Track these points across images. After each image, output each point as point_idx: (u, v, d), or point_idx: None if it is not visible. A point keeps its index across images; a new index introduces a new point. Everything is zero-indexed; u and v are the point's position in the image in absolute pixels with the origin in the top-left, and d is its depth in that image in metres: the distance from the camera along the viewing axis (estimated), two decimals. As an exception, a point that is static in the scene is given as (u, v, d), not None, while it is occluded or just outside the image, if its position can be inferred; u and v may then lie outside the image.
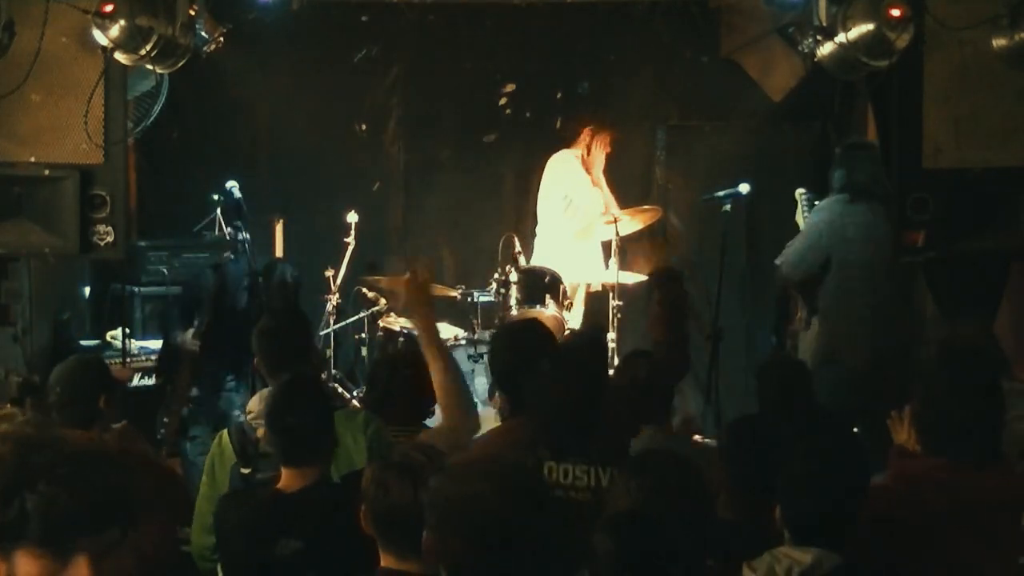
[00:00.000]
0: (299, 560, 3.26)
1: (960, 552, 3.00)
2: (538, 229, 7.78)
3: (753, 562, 2.89)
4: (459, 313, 7.57)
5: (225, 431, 4.14)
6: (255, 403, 4.12)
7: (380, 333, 7.24)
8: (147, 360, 6.58)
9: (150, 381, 6.49)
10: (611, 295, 7.30)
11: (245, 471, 3.88)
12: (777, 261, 6.36)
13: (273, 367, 4.19)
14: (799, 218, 6.71)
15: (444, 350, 3.95)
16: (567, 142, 7.75)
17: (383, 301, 7.27)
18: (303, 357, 4.33)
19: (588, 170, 7.64)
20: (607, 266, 7.41)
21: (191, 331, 6.28)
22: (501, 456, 2.54)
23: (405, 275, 4.06)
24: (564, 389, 3.75)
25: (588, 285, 7.70)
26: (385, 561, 2.93)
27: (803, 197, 6.71)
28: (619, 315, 7.20)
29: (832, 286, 6.08)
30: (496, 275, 7.20)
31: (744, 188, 6.54)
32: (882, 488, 3.21)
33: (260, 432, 3.96)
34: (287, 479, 3.44)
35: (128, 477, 2.04)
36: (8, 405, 4.16)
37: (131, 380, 6.50)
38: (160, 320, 7.05)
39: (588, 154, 7.66)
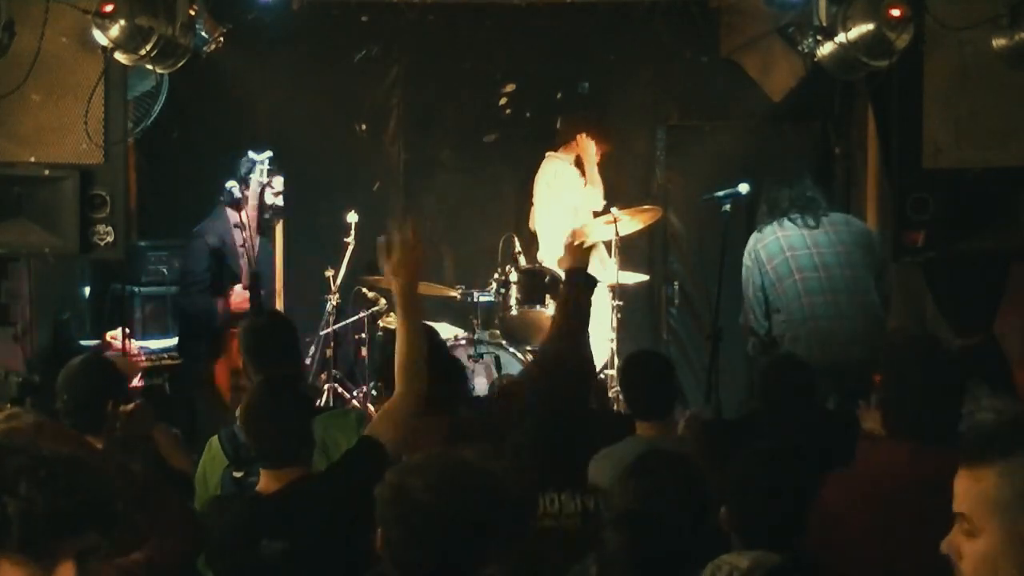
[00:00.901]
0: (285, 561, 3.25)
1: (922, 533, 3.02)
2: (541, 234, 7.75)
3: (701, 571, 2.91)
4: (459, 313, 7.57)
5: (216, 435, 4.13)
6: None
7: (380, 333, 7.24)
8: (147, 360, 6.58)
9: (150, 381, 6.49)
10: (611, 295, 7.30)
11: (237, 475, 3.87)
12: (740, 320, 6.40)
13: (258, 365, 4.21)
14: None
15: (419, 317, 3.74)
16: (559, 146, 7.76)
17: (383, 301, 7.27)
18: (289, 356, 4.35)
19: (583, 171, 7.65)
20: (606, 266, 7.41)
21: None
22: (452, 456, 2.53)
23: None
24: (547, 421, 3.76)
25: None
26: None
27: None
28: (619, 315, 7.20)
29: (791, 293, 6.12)
30: (496, 275, 7.20)
31: (744, 188, 6.54)
32: (844, 475, 3.27)
33: None
34: (266, 481, 3.44)
35: (109, 483, 2.01)
36: (8, 405, 4.17)
37: (131, 380, 6.50)
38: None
39: (583, 156, 7.67)
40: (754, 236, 6.34)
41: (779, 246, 6.18)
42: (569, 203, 7.63)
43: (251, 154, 6.69)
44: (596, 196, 7.65)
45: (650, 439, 4.11)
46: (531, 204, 7.87)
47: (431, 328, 4.21)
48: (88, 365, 4.12)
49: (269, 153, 6.71)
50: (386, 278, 3.71)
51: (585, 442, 3.84)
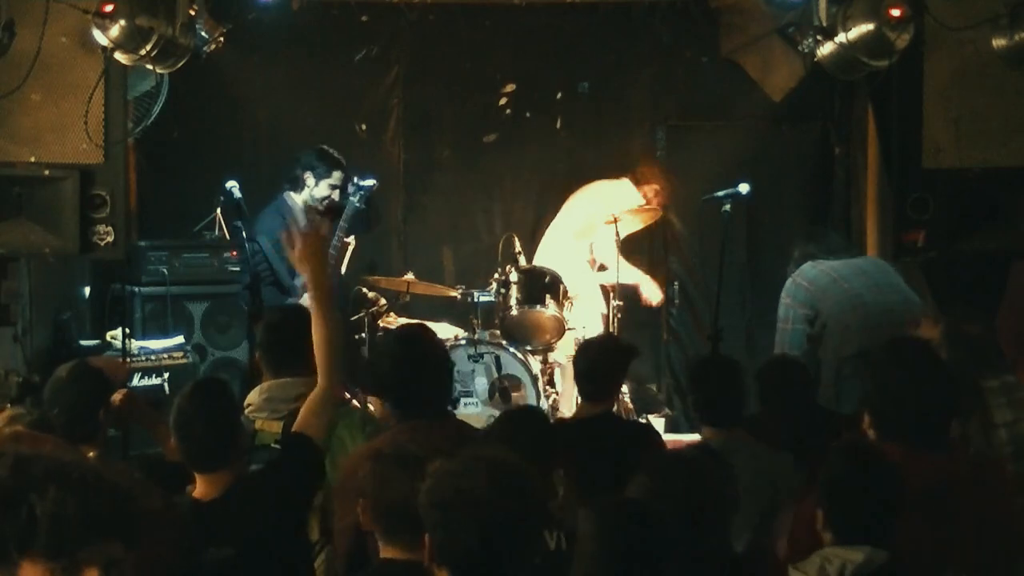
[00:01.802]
0: (232, 567, 3.22)
1: (910, 535, 3.02)
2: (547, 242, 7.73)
3: (801, 564, 2.89)
4: (459, 313, 7.56)
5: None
6: (255, 396, 4.11)
7: (380, 333, 7.24)
8: (147, 360, 6.57)
9: (150, 381, 6.49)
10: (611, 295, 7.30)
11: None
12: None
13: (273, 362, 4.19)
14: None
15: (333, 306, 3.81)
16: (638, 182, 7.63)
17: (383, 301, 7.27)
18: (304, 353, 4.32)
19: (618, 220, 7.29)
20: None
21: None
22: (489, 454, 2.54)
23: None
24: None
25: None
26: (386, 552, 2.94)
27: None
28: (619, 315, 7.20)
29: (833, 291, 5.96)
30: (496, 275, 7.19)
31: (744, 188, 6.54)
32: None
33: (258, 424, 3.96)
34: (203, 487, 3.37)
35: (132, 494, 2.00)
36: (8, 405, 4.16)
37: (130, 381, 6.49)
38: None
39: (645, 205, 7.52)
40: (790, 278, 6.14)
41: (816, 270, 5.98)
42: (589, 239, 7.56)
43: (356, 179, 7.05)
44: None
45: (717, 444, 4.09)
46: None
47: (429, 332, 4.23)
48: (76, 374, 4.03)
49: (373, 181, 7.14)
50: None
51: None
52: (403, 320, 7.09)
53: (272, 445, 3.80)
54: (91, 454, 3.82)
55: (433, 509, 2.43)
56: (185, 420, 3.38)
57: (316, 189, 7.06)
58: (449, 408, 4.17)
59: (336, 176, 7.09)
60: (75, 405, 3.91)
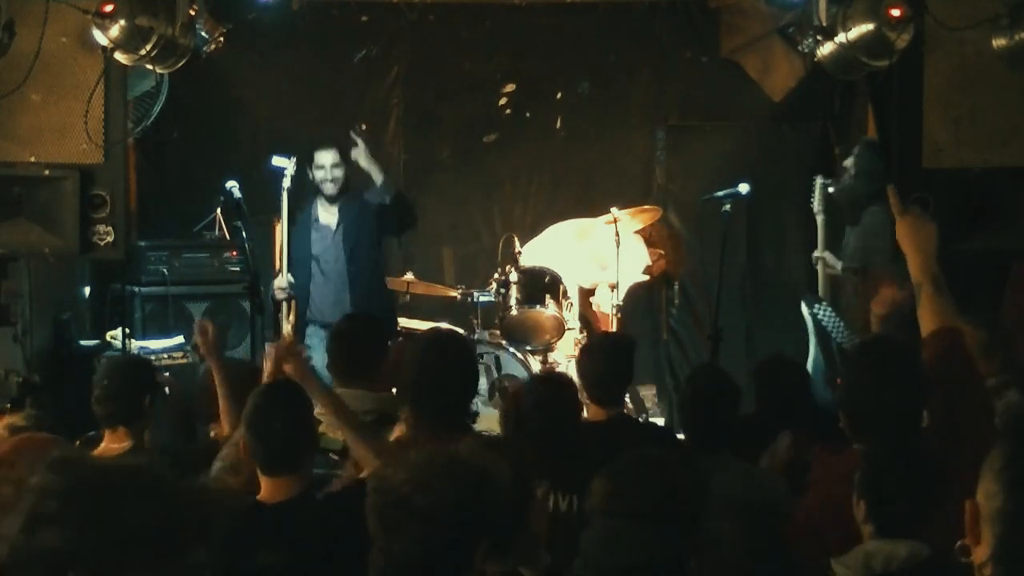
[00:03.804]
0: (278, 573, 3.17)
1: None
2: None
3: (843, 558, 2.86)
4: (459, 313, 7.57)
5: None
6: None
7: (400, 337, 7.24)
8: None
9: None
10: (611, 295, 7.30)
11: None
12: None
13: (339, 371, 4.16)
14: (815, 205, 6.60)
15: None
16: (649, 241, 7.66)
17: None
18: (373, 363, 4.25)
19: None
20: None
21: None
22: (428, 449, 2.52)
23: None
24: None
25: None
26: None
27: (821, 184, 6.58)
28: (619, 315, 7.20)
29: None
30: (496, 275, 7.20)
31: (744, 188, 6.54)
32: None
33: (321, 428, 3.75)
34: (268, 489, 3.32)
35: (209, 495, 1.92)
36: (8, 405, 4.17)
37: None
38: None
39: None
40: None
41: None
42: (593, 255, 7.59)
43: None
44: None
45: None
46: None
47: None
48: (131, 358, 4.37)
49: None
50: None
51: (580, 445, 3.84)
52: (403, 321, 7.09)
53: (330, 454, 3.73)
54: (126, 441, 3.94)
55: (368, 503, 2.39)
56: (262, 419, 3.33)
57: (315, 179, 6.75)
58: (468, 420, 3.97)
59: (320, 157, 6.68)
60: (122, 381, 4.02)
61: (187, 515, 1.81)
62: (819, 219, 6.59)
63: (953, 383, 3.16)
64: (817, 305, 6.17)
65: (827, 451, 3.54)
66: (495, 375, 6.92)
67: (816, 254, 6.61)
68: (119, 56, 5.12)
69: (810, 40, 5.62)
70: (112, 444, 3.99)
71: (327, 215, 6.79)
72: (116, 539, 1.74)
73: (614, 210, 7.25)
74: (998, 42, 5.32)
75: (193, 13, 5.45)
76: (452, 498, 2.34)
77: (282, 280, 6.44)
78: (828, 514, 3.16)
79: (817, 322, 6.12)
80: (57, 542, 1.72)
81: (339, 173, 6.70)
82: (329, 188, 6.72)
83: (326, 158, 6.70)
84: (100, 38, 5.05)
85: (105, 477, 1.81)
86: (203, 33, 5.73)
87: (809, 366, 5.93)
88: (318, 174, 6.72)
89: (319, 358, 4.62)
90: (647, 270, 7.50)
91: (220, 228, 7.29)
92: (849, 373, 3.38)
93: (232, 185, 6.44)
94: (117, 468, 1.86)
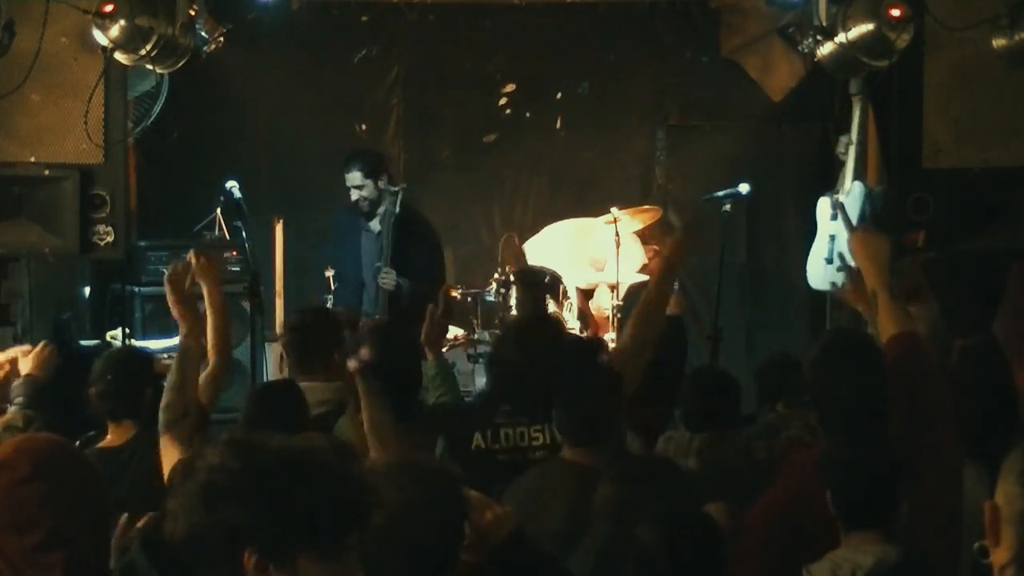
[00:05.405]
0: None
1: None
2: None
3: (812, 566, 2.88)
4: (459, 313, 7.55)
5: None
6: None
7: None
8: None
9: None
10: (611, 295, 7.30)
11: None
12: None
13: (296, 363, 4.29)
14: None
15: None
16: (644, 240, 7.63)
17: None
18: (326, 357, 4.36)
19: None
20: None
21: None
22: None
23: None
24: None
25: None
26: None
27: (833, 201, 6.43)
28: (619, 315, 7.20)
29: None
30: (496, 275, 7.19)
31: (744, 188, 6.54)
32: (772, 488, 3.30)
33: None
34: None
35: (344, 484, 1.89)
36: (9, 406, 4.17)
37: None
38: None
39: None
40: None
41: None
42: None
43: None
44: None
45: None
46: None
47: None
48: (133, 352, 4.36)
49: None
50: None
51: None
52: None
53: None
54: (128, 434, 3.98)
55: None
56: (256, 425, 3.43)
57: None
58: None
59: (349, 178, 6.67)
60: (124, 375, 4.05)
61: (351, 500, 1.84)
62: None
63: (916, 380, 3.20)
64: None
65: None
66: (495, 375, 6.91)
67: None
68: (119, 56, 5.12)
69: (810, 40, 5.62)
70: (116, 438, 4.01)
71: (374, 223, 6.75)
72: (292, 519, 1.78)
73: (614, 210, 7.25)
74: (998, 42, 5.32)
75: (193, 13, 5.45)
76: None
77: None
78: (798, 503, 3.16)
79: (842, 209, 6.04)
80: (240, 519, 1.77)
81: (365, 193, 6.62)
82: (363, 206, 6.66)
83: (348, 180, 6.65)
84: (100, 38, 5.05)
85: (280, 459, 1.83)
86: (203, 33, 5.73)
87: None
88: (352, 193, 6.68)
89: None
90: (643, 269, 7.49)
91: (220, 228, 7.28)
92: (813, 372, 3.38)
93: (232, 185, 6.44)
94: (290, 451, 1.87)
